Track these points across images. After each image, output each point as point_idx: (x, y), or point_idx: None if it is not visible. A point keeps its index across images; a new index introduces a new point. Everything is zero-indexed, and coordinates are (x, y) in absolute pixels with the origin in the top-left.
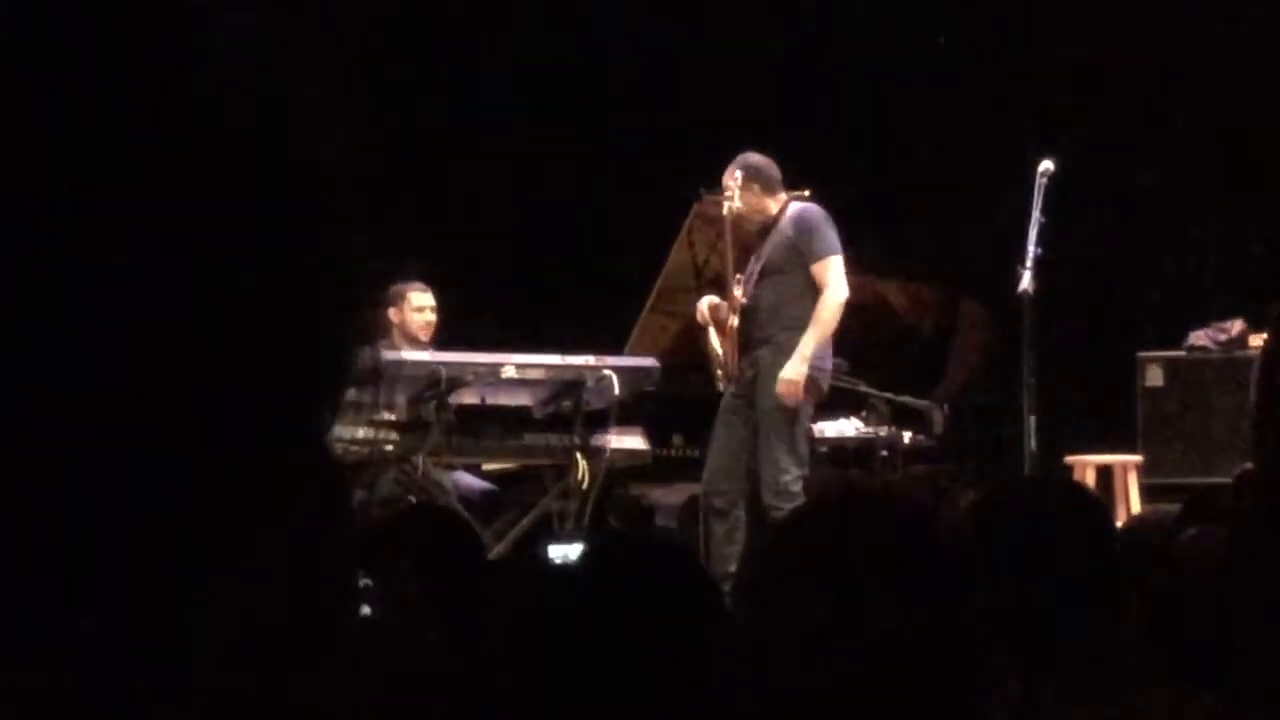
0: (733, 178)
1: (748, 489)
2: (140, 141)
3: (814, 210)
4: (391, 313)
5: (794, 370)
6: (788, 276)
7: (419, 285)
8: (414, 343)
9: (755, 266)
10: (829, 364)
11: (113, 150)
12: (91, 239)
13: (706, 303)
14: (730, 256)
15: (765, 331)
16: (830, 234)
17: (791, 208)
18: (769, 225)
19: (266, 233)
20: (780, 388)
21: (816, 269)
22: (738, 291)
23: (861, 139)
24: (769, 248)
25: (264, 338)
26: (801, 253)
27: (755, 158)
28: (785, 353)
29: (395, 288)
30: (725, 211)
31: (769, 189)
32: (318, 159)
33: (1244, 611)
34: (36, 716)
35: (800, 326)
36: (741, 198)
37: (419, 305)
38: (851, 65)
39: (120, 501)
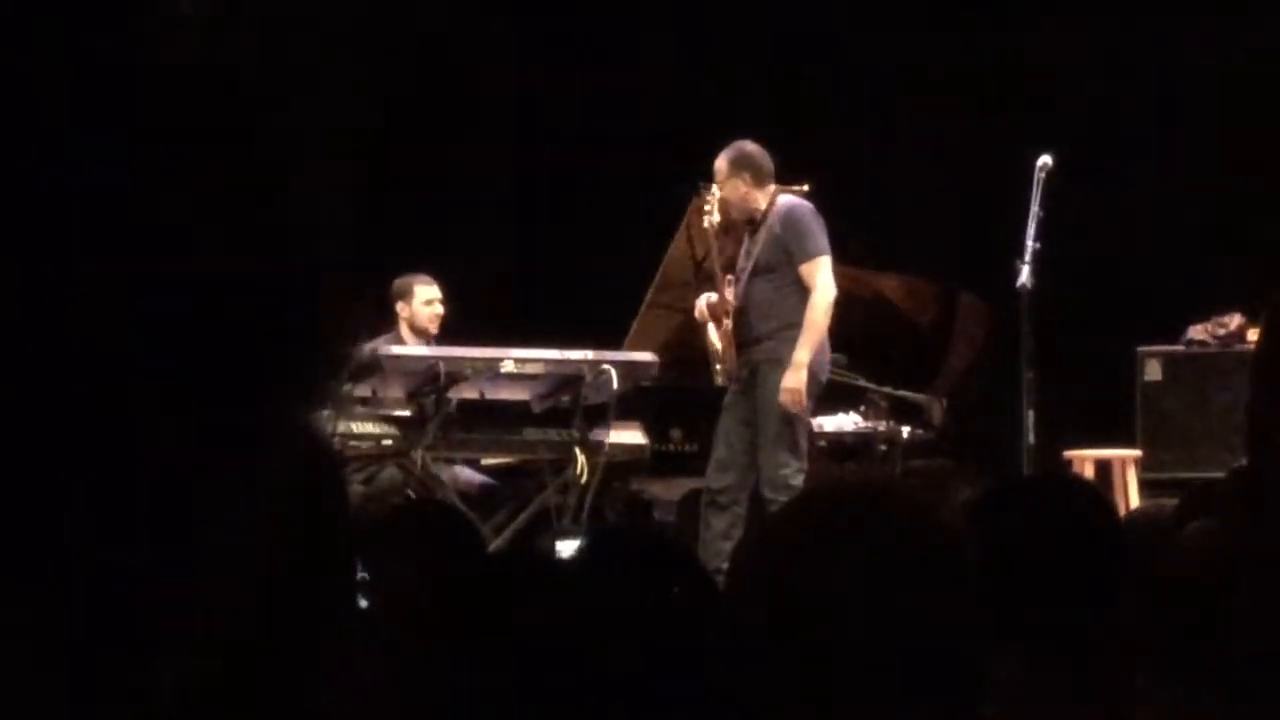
0: (723, 165)
1: (750, 483)
2: (102, 129)
3: (803, 207)
4: (399, 307)
5: (794, 379)
6: (778, 275)
7: (425, 278)
8: (423, 335)
9: (745, 264)
10: (825, 357)
11: (78, 137)
12: (66, 233)
13: (705, 299)
14: (718, 261)
15: (759, 331)
16: (819, 233)
17: (779, 202)
18: (756, 219)
19: (232, 220)
20: (784, 397)
21: (805, 269)
22: (729, 292)
23: (860, 132)
24: (759, 246)
25: (234, 324)
26: (790, 252)
27: (749, 146)
28: (780, 351)
29: (401, 281)
30: (706, 224)
31: (759, 180)
32: (287, 148)
33: (1242, 606)
34: (33, 710)
35: (793, 324)
36: (729, 185)
37: (427, 298)
38: (850, 58)
39: (99, 491)
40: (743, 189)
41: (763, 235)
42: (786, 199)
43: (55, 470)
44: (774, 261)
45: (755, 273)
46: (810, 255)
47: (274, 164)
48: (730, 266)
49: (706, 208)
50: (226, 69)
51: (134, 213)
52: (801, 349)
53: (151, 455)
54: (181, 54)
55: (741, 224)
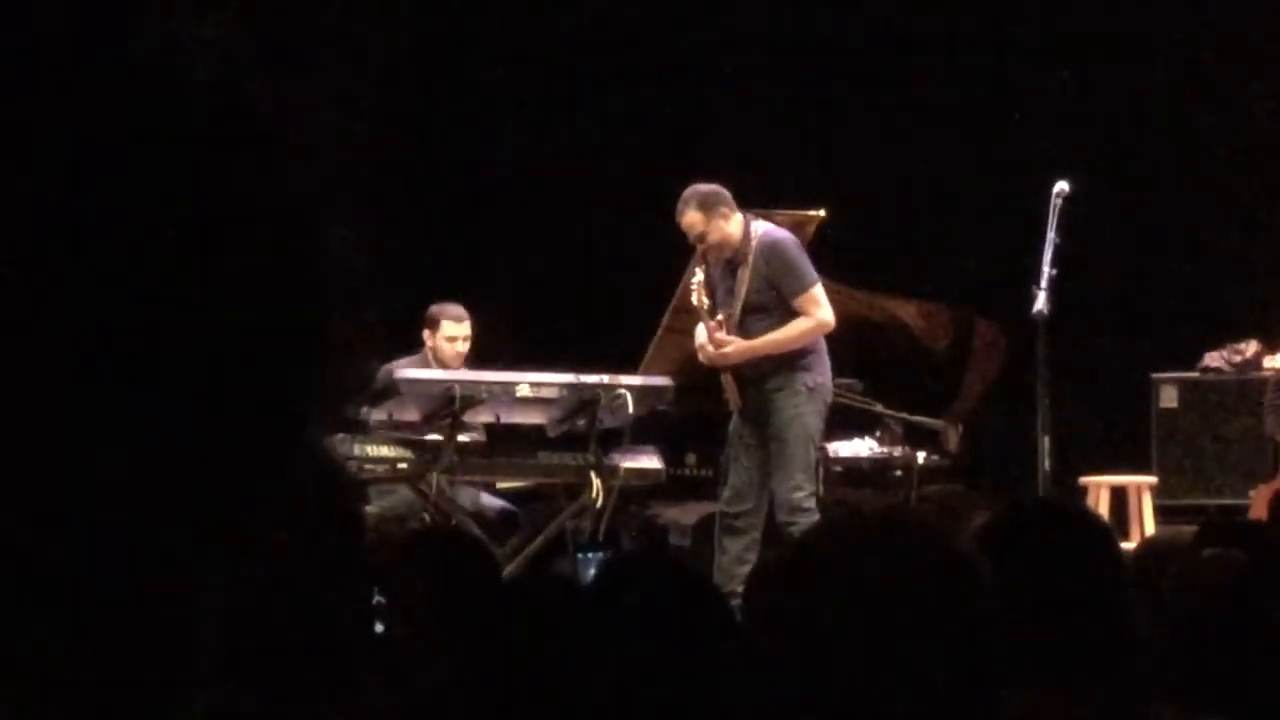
0: (696, 216)
1: (765, 507)
2: (107, 146)
3: (784, 240)
4: (426, 334)
5: (734, 349)
6: (773, 312)
7: (455, 313)
8: (445, 367)
9: (734, 305)
10: (828, 377)
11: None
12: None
13: (704, 341)
14: (705, 309)
15: (766, 366)
16: (804, 264)
17: (756, 235)
18: (738, 254)
19: (235, 240)
20: (705, 354)
21: (799, 303)
22: (720, 333)
23: (877, 158)
24: (744, 285)
25: (249, 346)
26: (779, 288)
27: (705, 187)
28: (793, 380)
29: (434, 309)
30: (695, 301)
31: (731, 207)
32: (292, 171)
33: (1262, 633)
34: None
35: (803, 353)
36: (713, 228)
37: (451, 334)
38: (868, 84)
39: (109, 505)
40: (724, 225)
41: (747, 274)
42: (762, 230)
43: (73, 486)
44: (765, 300)
45: (747, 311)
46: (803, 288)
47: (292, 186)
48: (713, 303)
49: (694, 285)
50: (244, 89)
51: (148, 229)
52: (764, 341)
53: (168, 475)
54: (201, 71)
55: (721, 261)
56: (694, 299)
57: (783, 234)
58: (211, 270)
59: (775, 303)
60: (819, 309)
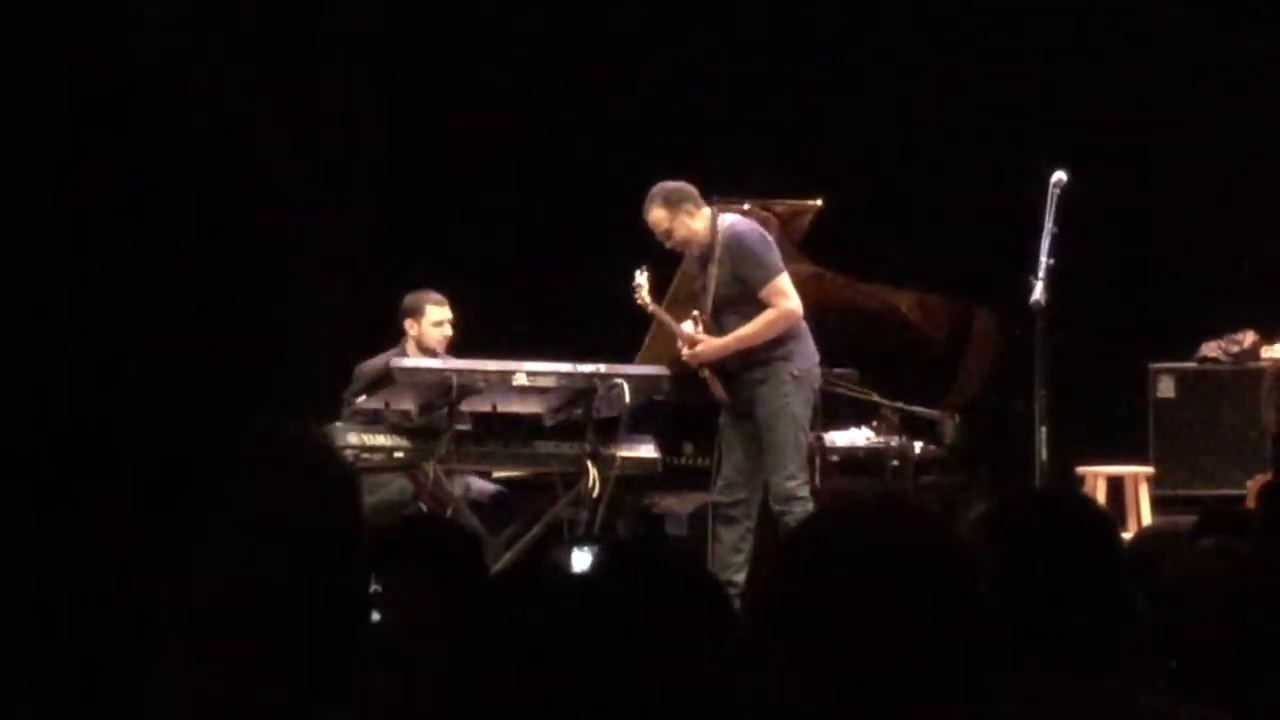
0: (661, 212)
1: (758, 496)
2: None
3: (749, 233)
4: (408, 324)
5: (707, 349)
6: (743, 305)
7: (437, 297)
8: (429, 354)
9: (705, 301)
10: (813, 363)
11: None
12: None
13: (686, 343)
14: (668, 314)
15: (748, 358)
16: (768, 254)
17: (722, 229)
18: (705, 249)
19: (224, 227)
20: (687, 352)
21: (765, 294)
22: (697, 331)
23: (875, 149)
24: (714, 281)
25: (223, 333)
26: (746, 281)
27: (671, 184)
28: (776, 370)
29: (412, 298)
30: (639, 301)
31: (697, 204)
32: (258, 158)
33: (1260, 624)
34: (29, 710)
35: (780, 342)
36: (678, 225)
37: (437, 319)
38: (865, 74)
39: (97, 494)
40: (689, 221)
41: (714, 270)
42: (727, 223)
43: (55, 472)
44: (734, 294)
45: (719, 306)
46: (767, 278)
47: (260, 170)
48: (674, 311)
49: (635, 289)
50: (194, 68)
51: (125, 219)
52: (734, 337)
53: (149, 461)
54: (153, 52)
55: (694, 257)
56: (638, 299)
57: (746, 225)
58: (179, 253)
59: (745, 296)
60: (785, 299)
